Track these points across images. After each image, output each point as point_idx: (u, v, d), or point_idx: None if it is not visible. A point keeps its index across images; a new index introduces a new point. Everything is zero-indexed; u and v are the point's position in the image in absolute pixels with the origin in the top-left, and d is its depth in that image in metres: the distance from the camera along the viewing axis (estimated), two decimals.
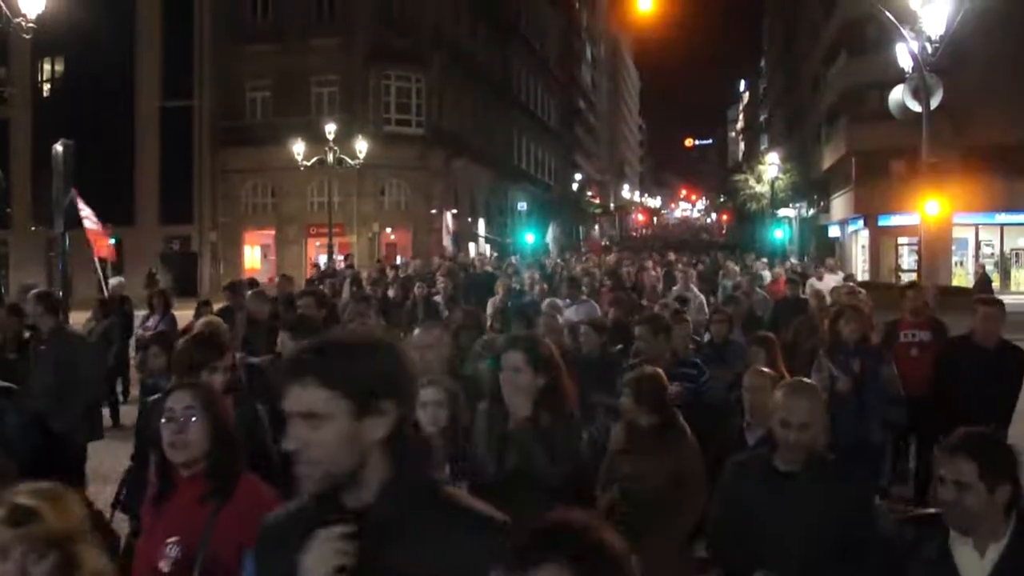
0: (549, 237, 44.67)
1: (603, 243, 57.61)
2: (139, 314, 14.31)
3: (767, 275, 24.57)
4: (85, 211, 14.21)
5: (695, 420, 6.20)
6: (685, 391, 7.34)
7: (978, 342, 8.09)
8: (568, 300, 13.37)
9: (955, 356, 8.32)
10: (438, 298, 15.61)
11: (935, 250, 17.46)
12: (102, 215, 18.28)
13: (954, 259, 42.88)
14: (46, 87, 48.42)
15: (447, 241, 34.29)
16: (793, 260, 41.39)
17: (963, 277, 40.87)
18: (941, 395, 8.25)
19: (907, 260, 44.17)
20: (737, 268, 25.18)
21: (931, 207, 15.78)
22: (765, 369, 6.56)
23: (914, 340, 9.52)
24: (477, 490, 4.35)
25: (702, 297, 15.72)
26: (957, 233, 41.97)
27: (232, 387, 5.29)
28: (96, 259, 18.71)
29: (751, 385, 6.35)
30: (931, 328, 9.56)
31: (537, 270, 23.51)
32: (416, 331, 6.56)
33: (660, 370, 6.11)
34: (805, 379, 4.78)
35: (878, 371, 8.03)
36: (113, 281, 16.55)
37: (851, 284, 15.41)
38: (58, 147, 17.24)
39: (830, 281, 19.69)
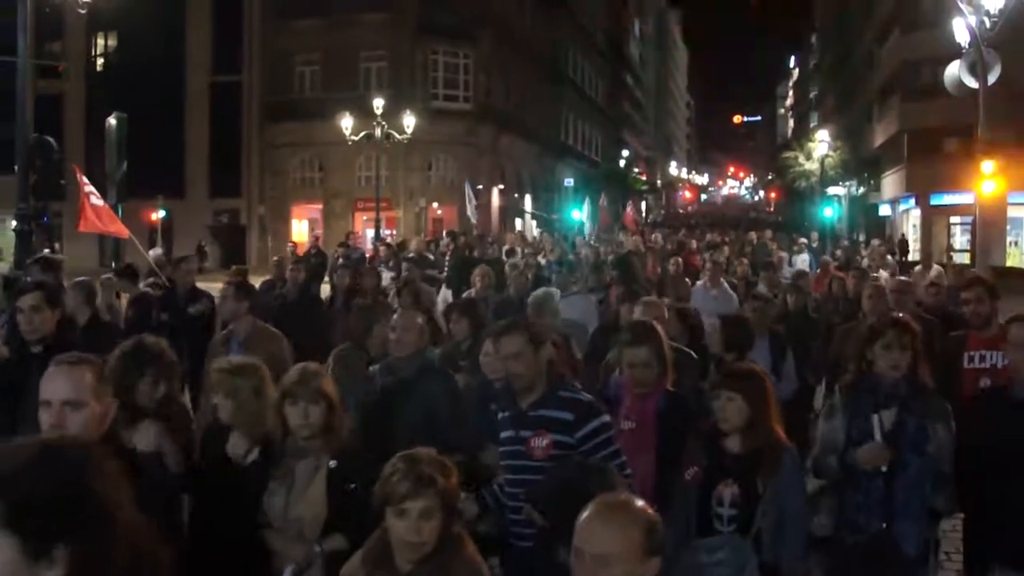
0: (585, 214, 44.13)
1: (638, 219, 56.25)
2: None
3: (801, 261, 20.14)
4: (88, 187, 14.08)
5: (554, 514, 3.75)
6: (553, 448, 4.52)
7: (1016, 393, 4.90)
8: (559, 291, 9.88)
9: (976, 419, 5.05)
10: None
11: (989, 230, 17.15)
12: (152, 188, 18.42)
13: (1008, 239, 42.16)
14: (99, 62, 49.10)
15: (470, 213, 33.49)
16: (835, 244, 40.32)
17: (1017, 257, 40.26)
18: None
19: (959, 240, 43.59)
20: (784, 254, 21.14)
21: (987, 186, 15.52)
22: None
23: (984, 367, 6.35)
24: None
25: (734, 295, 11.59)
26: (1012, 212, 41.23)
27: None
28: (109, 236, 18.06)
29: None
30: None
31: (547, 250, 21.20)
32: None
33: (431, 452, 3.57)
34: None
35: (926, 431, 4.86)
36: (152, 253, 16.70)
37: (902, 280, 10.39)
38: (111, 120, 17.49)
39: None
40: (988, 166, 15.71)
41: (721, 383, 4.75)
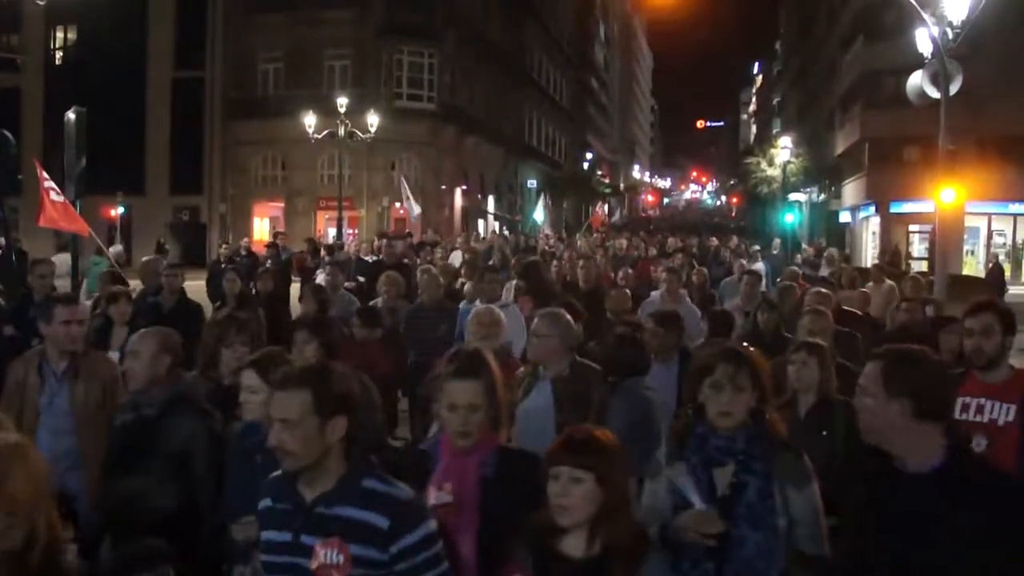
0: (539, 213, 43.99)
1: (602, 220, 55.69)
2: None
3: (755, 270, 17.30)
4: (48, 182, 13.60)
5: None
6: (351, 567, 3.06)
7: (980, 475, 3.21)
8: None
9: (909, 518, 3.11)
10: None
11: (947, 238, 17.31)
12: (112, 185, 18.12)
13: (965, 248, 42.62)
14: (58, 55, 48.46)
15: (411, 213, 31.99)
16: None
17: (973, 266, 40.73)
18: None
19: (917, 248, 44.00)
20: (743, 261, 19.09)
21: (946, 194, 15.65)
22: None
23: (980, 421, 4.73)
24: None
25: (697, 312, 10.00)
26: (969, 222, 41.66)
27: None
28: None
29: None
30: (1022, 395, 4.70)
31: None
32: None
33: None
34: None
35: (772, 499, 3.57)
36: (112, 250, 16.45)
37: (819, 291, 8.95)
38: (71, 115, 17.19)
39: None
40: (948, 175, 15.86)
41: (561, 456, 3.19)
